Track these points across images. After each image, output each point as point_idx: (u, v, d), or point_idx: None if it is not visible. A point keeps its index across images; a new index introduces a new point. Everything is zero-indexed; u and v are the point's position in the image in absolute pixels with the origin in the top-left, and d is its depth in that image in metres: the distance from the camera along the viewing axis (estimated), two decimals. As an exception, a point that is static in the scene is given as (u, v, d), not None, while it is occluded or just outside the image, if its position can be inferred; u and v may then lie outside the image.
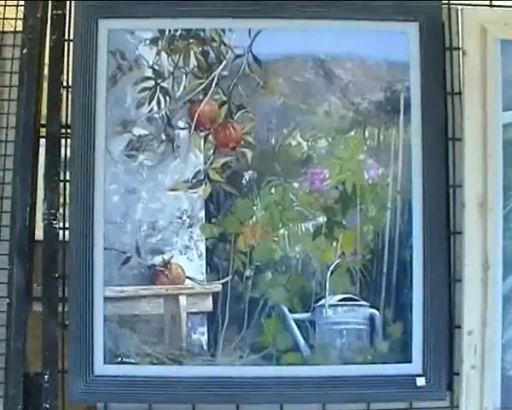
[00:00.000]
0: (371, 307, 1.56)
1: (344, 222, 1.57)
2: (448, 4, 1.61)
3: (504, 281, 1.56)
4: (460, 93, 1.59)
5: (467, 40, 1.56)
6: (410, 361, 1.56)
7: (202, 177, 1.56)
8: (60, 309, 1.55)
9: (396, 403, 1.59)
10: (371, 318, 1.56)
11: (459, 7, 1.59)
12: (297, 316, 1.55)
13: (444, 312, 1.56)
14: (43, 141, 1.57)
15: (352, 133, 1.59)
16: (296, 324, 1.55)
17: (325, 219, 1.57)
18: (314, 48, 1.59)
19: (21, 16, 1.56)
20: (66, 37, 1.57)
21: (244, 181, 1.56)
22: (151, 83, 1.56)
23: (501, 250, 1.56)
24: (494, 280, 1.55)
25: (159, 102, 1.56)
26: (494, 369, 1.55)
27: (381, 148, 1.59)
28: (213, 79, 1.57)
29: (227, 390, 1.54)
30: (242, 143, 1.57)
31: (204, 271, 1.56)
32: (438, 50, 1.59)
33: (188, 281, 1.56)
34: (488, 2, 1.64)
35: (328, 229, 1.56)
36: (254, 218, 1.56)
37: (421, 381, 1.55)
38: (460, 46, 1.58)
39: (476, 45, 1.56)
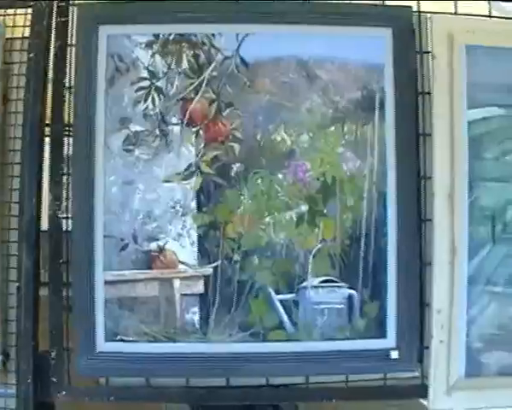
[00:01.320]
0: (350, 288, 1.67)
1: (324, 211, 1.67)
2: (419, 12, 1.71)
3: (469, 263, 1.69)
4: (430, 93, 1.69)
5: (435, 45, 1.68)
6: (385, 337, 1.67)
7: (194, 169, 1.65)
8: (64, 293, 1.64)
9: (372, 375, 1.71)
10: (350, 298, 1.67)
11: (428, 15, 1.70)
12: (282, 297, 1.66)
13: (415, 292, 1.67)
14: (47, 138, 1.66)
15: (332, 129, 1.69)
16: (281, 304, 1.66)
17: (307, 207, 1.67)
18: (298, 51, 1.68)
19: (29, 24, 1.65)
20: (69, 42, 1.66)
21: (232, 173, 1.66)
22: (146, 83, 1.65)
23: (467, 236, 1.68)
24: (460, 263, 1.67)
25: (153, 101, 1.65)
26: (459, 343, 1.68)
27: (359, 142, 1.69)
28: (204, 79, 1.66)
29: (218, 365, 1.65)
30: (231, 137, 1.66)
31: (196, 256, 1.66)
32: (409, 54, 1.70)
33: (181, 265, 1.66)
34: (453, 12, 1.75)
35: (310, 217, 1.67)
36: (242, 207, 1.66)
37: (394, 354, 1.66)
38: (430, 50, 1.69)
39: (444, 50, 1.68)
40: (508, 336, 1.72)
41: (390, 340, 1.68)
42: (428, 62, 1.70)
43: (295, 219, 1.67)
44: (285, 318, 1.66)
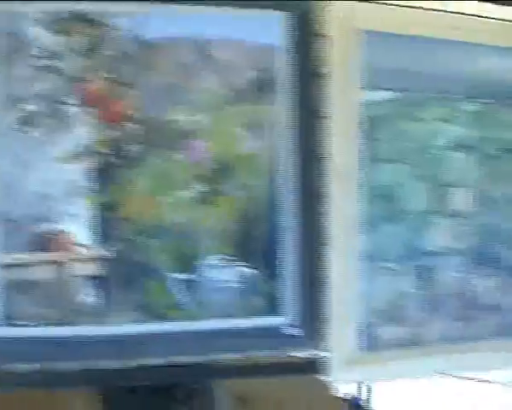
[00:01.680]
0: (247, 266, 1.69)
1: (223, 190, 1.68)
2: (317, -4, 1.74)
3: (363, 241, 1.74)
4: (327, 75, 1.73)
5: (332, 29, 1.72)
6: (284, 314, 1.70)
7: (90, 150, 1.63)
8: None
9: (272, 352, 1.72)
10: (249, 276, 1.69)
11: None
12: (180, 276, 1.66)
13: (313, 270, 1.70)
14: None
15: (230, 109, 1.70)
16: (179, 283, 1.66)
17: (205, 187, 1.67)
18: (196, 32, 1.68)
19: None
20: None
21: (130, 153, 1.64)
22: (41, 62, 1.61)
23: (361, 214, 1.73)
24: (355, 241, 1.73)
25: (49, 80, 1.61)
26: (356, 318, 1.74)
27: (256, 123, 1.71)
28: (101, 58, 1.64)
29: (117, 347, 1.62)
30: (128, 118, 1.64)
31: (92, 237, 1.63)
32: (306, 36, 1.72)
33: (77, 247, 1.63)
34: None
35: (208, 196, 1.67)
36: (140, 187, 1.65)
37: (293, 331, 1.69)
38: (327, 34, 1.72)
39: (340, 34, 1.73)
40: (400, 311, 1.79)
41: (289, 317, 1.70)
42: (326, 46, 1.73)
43: (194, 198, 1.67)
44: (184, 297, 1.66)
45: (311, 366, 1.77)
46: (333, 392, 1.94)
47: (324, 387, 1.85)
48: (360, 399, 2.91)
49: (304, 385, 1.91)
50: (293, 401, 2.04)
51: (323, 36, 1.73)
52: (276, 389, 1.92)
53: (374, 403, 2.95)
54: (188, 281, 1.67)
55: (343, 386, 1.86)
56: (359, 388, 2.79)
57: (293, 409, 2.09)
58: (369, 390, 3.01)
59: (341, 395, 2.18)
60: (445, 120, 1.85)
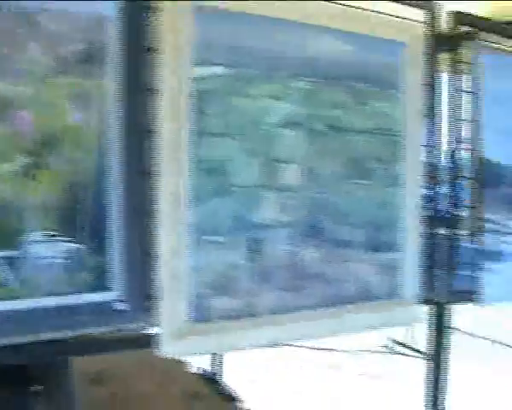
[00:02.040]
0: (73, 241, 1.66)
1: (48, 163, 1.64)
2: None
3: (193, 214, 1.76)
4: (158, 49, 1.72)
5: (165, 3, 1.72)
6: (110, 289, 1.69)
7: None
8: None
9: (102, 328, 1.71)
10: (73, 251, 1.66)
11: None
12: (2, 253, 1.60)
13: (141, 243, 1.71)
14: None
15: (56, 80, 1.65)
16: (1, 261, 1.60)
17: (28, 160, 1.62)
18: None
19: None
20: None
21: None
22: None
23: (190, 188, 1.75)
24: (184, 214, 1.75)
25: None
26: (185, 290, 1.76)
27: (83, 95, 1.67)
28: None
29: None
30: None
31: None
32: (138, 9, 1.71)
33: None
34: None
35: (32, 169, 1.62)
36: None
37: (120, 306, 1.69)
38: (160, 8, 1.71)
39: (170, 9, 1.73)
40: (231, 283, 1.84)
41: (116, 292, 1.70)
42: (157, 19, 1.72)
43: (17, 171, 1.61)
44: (6, 275, 1.60)
45: (144, 341, 1.78)
46: (185, 367, 1.96)
47: (177, 362, 1.86)
48: (212, 372, 2.98)
49: (156, 361, 1.92)
50: (146, 376, 2.04)
51: (155, 9, 1.73)
52: (129, 366, 1.91)
53: (225, 375, 3.04)
54: (10, 258, 1.61)
55: (195, 360, 1.89)
56: (212, 361, 2.85)
57: (145, 385, 2.10)
58: (220, 363, 3.09)
59: (194, 370, 2.21)
60: (275, 97, 1.91)
